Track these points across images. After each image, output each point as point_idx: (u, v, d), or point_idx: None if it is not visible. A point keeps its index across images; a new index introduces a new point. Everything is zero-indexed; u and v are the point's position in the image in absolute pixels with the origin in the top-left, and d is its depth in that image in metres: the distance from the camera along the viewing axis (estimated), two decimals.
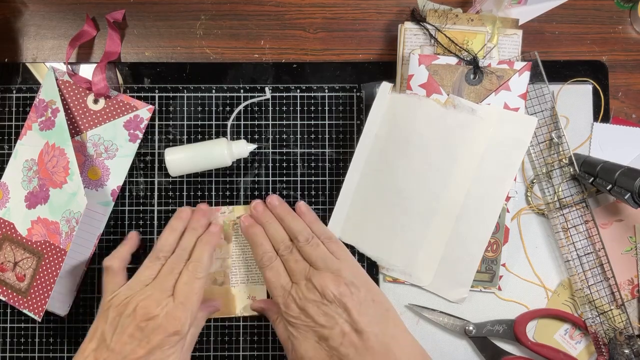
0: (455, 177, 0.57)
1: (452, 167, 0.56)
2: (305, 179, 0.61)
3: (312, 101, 0.61)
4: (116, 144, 0.60)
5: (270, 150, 0.61)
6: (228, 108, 0.61)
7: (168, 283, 0.51)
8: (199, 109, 0.61)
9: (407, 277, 0.58)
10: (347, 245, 0.60)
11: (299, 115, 0.61)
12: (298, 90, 0.61)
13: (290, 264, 0.54)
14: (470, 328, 0.58)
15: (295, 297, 0.52)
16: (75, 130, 0.60)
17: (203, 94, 0.61)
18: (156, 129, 0.61)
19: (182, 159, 0.58)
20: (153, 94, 0.61)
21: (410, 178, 0.57)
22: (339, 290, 0.51)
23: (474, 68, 0.57)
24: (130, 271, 0.54)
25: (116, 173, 0.60)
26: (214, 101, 0.61)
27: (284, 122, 0.61)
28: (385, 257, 0.58)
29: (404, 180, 0.57)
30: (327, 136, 0.61)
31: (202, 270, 0.53)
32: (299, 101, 0.61)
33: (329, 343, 0.50)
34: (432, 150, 0.56)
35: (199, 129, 0.61)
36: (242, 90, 0.61)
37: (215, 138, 0.60)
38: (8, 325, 0.59)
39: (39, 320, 0.57)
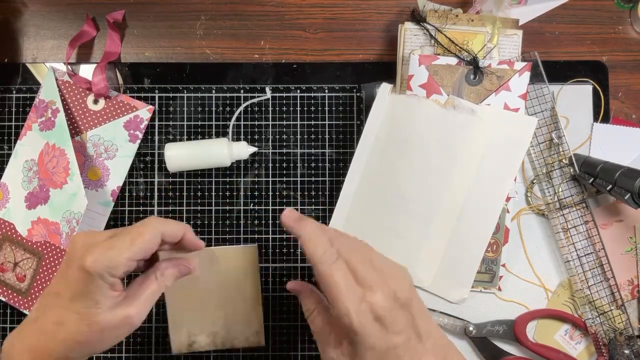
0: (455, 178, 0.57)
1: (452, 167, 0.56)
2: (305, 179, 0.61)
3: (312, 101, 0.61)
4: (116, 144, 0.60)
5: (270, 151, 0.61)
6: (228, 108, 0.61)
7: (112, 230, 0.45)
8: (199, 109, 0.61)
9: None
10: None
11: (299, 115, 0.61)
12: (298, 91, 0.61)
13: (353, 264, 0.44)
14: (471, 328, 0.58)
15: (372, 303, 0.43)
16: (75, 130, 0.60)
17: (203, 94, 0.61)
18: (156, 129, 0.61)
19: (181, 155, 0.58)
20: (153, 94, 0.61)
21: (410, 179, 0.57)
22: (410, 293, 0.44)
23: (474, 68, 0.57)
24: None
25: (116, 173, 0.60)
26: (214, 101, 0.61)
27: (284, 123, 0.61)
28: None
29: (404, 181, 0.57)
30: (327, 136, 0.61)
31: (158, 223, 0.45)
32: (299, 101, 0.61)
33: (397, 351, 0.43)
34: (432, 151, 0.56)
35: (199, 129, 0.61)
36: (242, 91, 0.61)
37: (215, 138, 0.61)
38: (8, 325, 0.59)
39: None
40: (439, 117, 0.56)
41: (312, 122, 0.61)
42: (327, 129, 0.61)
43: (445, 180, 0.57)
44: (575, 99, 0.61)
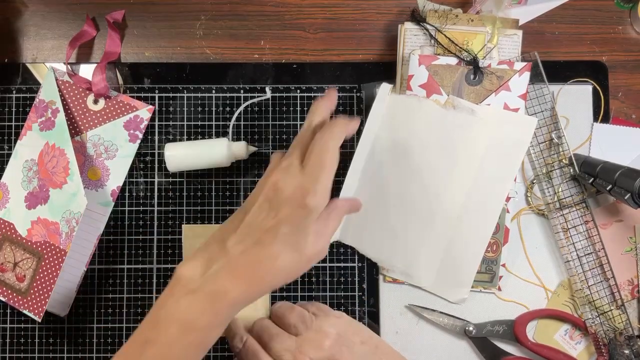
0: (455, 178, 0.57)
1: (452, 168, 0.56)
2: None
3: (312, 101, 0.61)
4: (116, 145, 0.60)
5: (270, 151, 0.61)
6: (228, 108, 0.61)
7: (295, 154, 0.47)
8: (199, 109, 0.61)
9: (407, 278, 0.58)
10: (347, 246, 0.60)
11: (299, 115, 0.61)
12: (298, 91, 0.61)
13: (266, 340, 0.51)
14: (470, 328, 0.58)
15: None
16: (75, 130, 0.60)
17: (203, 94, 0.61)
18: (156, 129, 0.61)
19: (181, 155, 0.58)
20: (153, 94, 0.61)
21: (410, 179, 0.57)
22: (330, 351, 0.49)
23: (474, 68, 0.57)
24: None
25: (116, 173, 0.60)
26: (214, 101, 0.61)
27: (284, 123, 0.61)
28: (386, 258, 0.58)
29: (404, 181, 0.57)
30: None
31: (335, 138, 0.47)
32: (299, 101, 0.61)
33: None
34: (432, 151, 0.56)
35: (199, 129, 0.61)
36: (242, 91, 0.61)
37: (215, 138, 0.60)
38: (8, 325, 0.59)
39: (39, 320, 0.57)
40: (439, 117, 0.56)
41: None
42: None
43: (445, 181, 0.57)
44: (575, 99, 0.61)
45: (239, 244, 0.44)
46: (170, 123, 0.61)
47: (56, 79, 0.60)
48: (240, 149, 0.58)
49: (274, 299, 0.59)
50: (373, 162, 0.58)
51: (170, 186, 0.60)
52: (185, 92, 0.61)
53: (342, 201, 0.49)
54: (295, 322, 0.51)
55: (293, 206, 0.44)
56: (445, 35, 0.58)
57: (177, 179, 0.61)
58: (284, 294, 0.60)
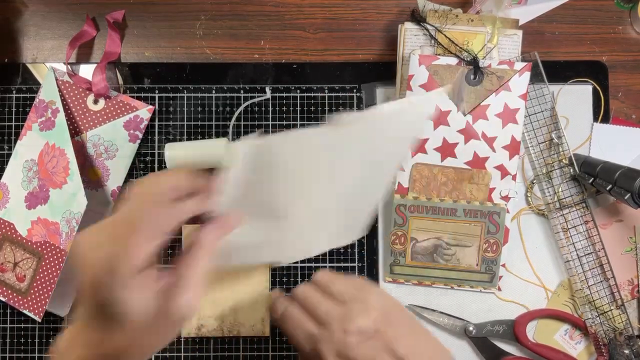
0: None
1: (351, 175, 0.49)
2: None
3: (312, 101, 0.61)
4: (116, 145, 0.60)
5: None
6: (228, 108, 0.61)
7: None
8: (199, 109, 0.61)
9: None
10: (347, 246, 0.60)
11: (299, 115, 0.61)
12: (298, 91, 0.61)
13: (310, 305, 0.47)
14: (470, 328, 0.58)
15: (331, 344, 0.45)
16: (75, 130, 0.60)
17: (203, 94, 0.61)
18: (156, 130, 0.61)
19: (181, 155, 0.58)
20: (153, 94, 0.61)
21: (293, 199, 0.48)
22: (377, 324, 0.46)
23: (474, 68, 0.57)
24: None
25: (116, 173, 0.60)
26: (214, 101, 0.61)
27: (284, 123, 0.61)
28: (286, 255, 0.55)
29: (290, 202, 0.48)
30: None
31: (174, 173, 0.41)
32: (299, 101, 0.61)
33: None
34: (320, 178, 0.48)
35: (199, 129, 0.61)
36: (242, 91, 0.61)
37: (215, 138, 0.61)
38: (8, 325, 0.59)
39: (39, 320, 0.57)
40: (329, 142, 0.46)
41: (312, 122, 0.61)
42: None
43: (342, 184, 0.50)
44: (575, 99, 0.61)
45: (76, 321, 0.40)
46: (170, 123, 0.61)
47: (56, 79, 0.60)
48: None
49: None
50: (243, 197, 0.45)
51: None
52: (185, 92, 0.61)
53: (208, 232, 0.43)
54: (341, 289, 0.48)
55: (89, 285, 0.38)
56: (445, 35, 0.58)
57: None
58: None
